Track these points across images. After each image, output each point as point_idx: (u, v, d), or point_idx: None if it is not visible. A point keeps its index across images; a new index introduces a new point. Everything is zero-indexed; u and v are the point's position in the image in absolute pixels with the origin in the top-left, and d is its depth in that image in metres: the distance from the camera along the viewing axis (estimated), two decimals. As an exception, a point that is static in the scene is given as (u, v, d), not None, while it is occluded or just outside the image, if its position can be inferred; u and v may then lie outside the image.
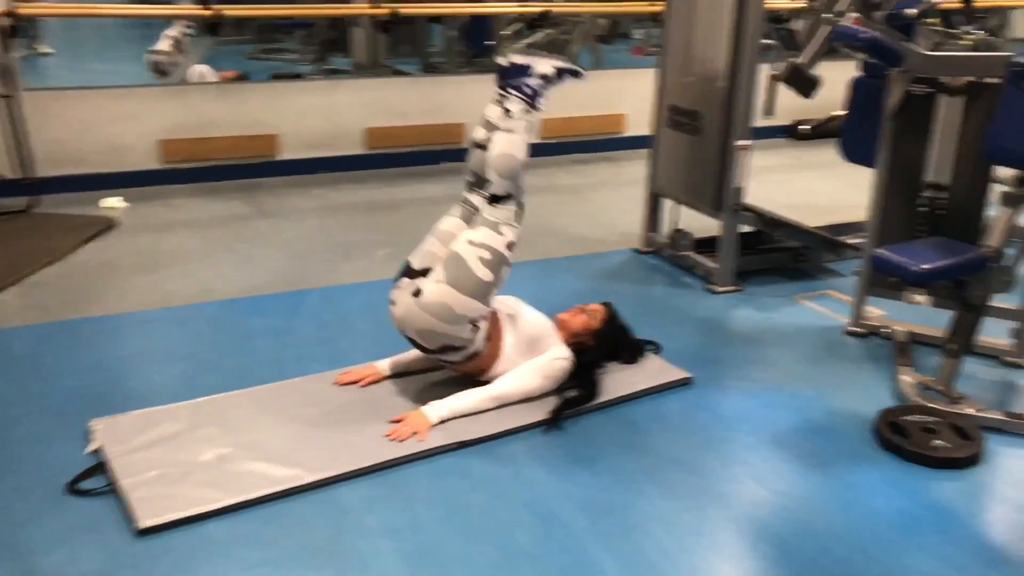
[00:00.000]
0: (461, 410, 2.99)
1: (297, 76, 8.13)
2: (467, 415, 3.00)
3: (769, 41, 4.21)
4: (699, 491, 2.73)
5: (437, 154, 6.49)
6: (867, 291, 3.80)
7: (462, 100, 6.48)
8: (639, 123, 6.90)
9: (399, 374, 3.29)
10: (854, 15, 3.41)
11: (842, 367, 3.56)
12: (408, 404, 3.08)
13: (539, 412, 3.05)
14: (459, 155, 6.42)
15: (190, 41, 6.79)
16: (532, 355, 3.15)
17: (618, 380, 3.29)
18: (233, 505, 2.53)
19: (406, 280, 3.04)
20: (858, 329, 3.84)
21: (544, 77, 3.06)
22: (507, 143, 2.97)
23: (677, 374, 3.36)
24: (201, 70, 6.56)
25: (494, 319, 3.12)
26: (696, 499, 2.69)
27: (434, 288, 2.93)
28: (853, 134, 4.24)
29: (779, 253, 4.56)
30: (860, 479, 2.82)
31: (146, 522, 2.43)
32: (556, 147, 6.62)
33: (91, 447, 2.80)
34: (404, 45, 8.96)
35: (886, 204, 3.70)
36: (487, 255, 2.95)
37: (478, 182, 3.08)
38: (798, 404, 3.26)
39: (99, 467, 2.70)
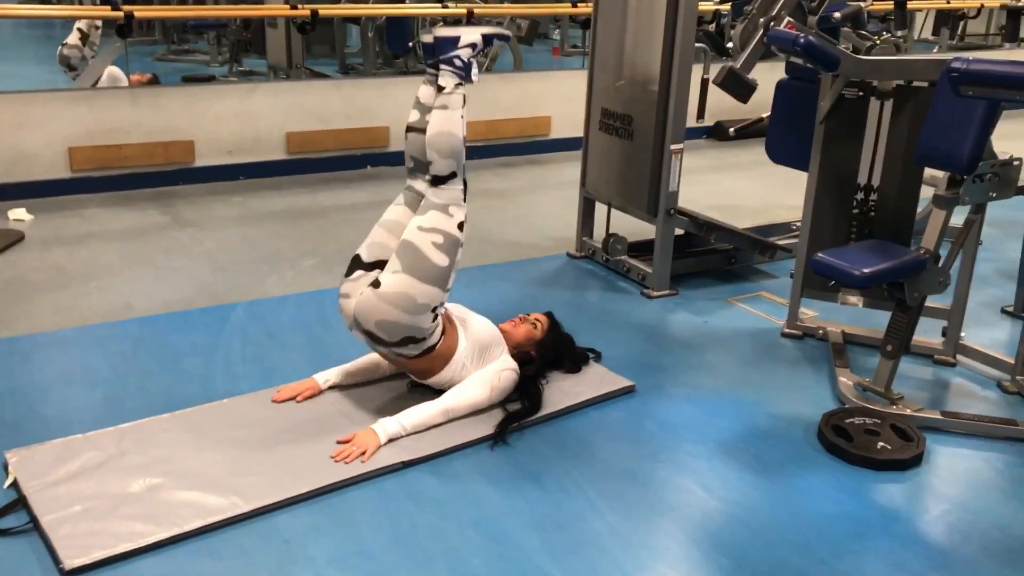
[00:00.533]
0: (412, 426, 2.89)
1: (210, 78, 7.89)
2: (419, 431, 2.90)
3: (697, 44, 4.21)
4: (650, 503, 2.69)
5: (361, 158, 6.35)
6: (802, 293, 3.82)
7: (384, 103, 6.34)
8: (564, 125, 6.89)
9: (336, 386, 3.17)
10: (787, 19, 3.42)
11: (781, 370, 3.58)
12: (346, 420, 2.96)
13: (484, 427, 2.97)
14: (383, 159, 6.39)
15: (99, 34, 6.45)
16: (482, 363, 3.08)
17: (562, 390, 3.24)
18: (166, 539, 2.39)
19: (360, 272, 2.94)
20: (794, 331, 3.86)
21: (472, 46, 2.98)
22: (444, 121, 2.89)
23: (620, 383, 3.32)
24: (114, 72, 6.27)
25: (447, 318, 3.04)
26: (647, 511, 2.65)
27: (392, 279, 2.84)
28: (778, 135, 4.28)
29: (712, 256, 4.57)
30: (808, 484, 2.82)
31: (72, 562, 2.27)
32: (481, 150, 6.54)
33: (8, 481, 2.61)
34: (320, 46, 8.78)
35: (819, 206, 3.73)
36: (439, 239, 2.87)
37: (418, 166, 3.00)
38: (741, 409, 3.25)
39: (18, 503, 2.52)
